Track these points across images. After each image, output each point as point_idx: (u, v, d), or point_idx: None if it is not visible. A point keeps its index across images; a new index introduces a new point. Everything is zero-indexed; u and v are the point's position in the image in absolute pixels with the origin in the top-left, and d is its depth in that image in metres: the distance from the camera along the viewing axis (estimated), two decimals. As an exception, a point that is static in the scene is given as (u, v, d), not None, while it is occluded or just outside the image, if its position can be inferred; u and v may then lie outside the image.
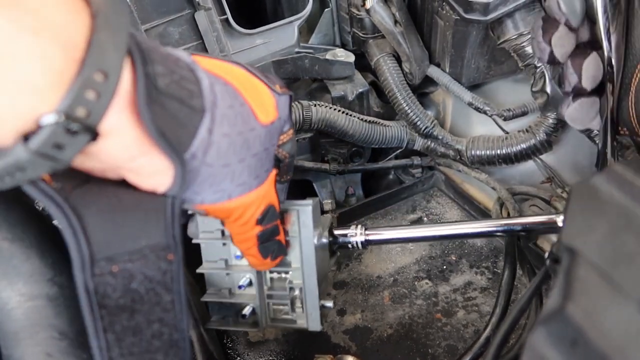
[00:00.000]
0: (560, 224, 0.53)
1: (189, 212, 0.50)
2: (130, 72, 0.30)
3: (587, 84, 0.42)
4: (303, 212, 0.50)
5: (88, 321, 0.33)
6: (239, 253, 0.51)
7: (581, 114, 0.44)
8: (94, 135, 0.28)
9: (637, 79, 0.39)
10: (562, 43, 0.42)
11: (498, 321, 0.51)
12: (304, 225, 0.50)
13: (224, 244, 0.51)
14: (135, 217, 0.34)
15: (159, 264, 0.35)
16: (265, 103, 0.42)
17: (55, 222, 0.34)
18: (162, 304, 0.35)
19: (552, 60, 0.42)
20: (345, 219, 0.80)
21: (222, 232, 0.51)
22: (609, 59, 0.41)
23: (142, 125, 0.30)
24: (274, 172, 0.45)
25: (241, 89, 0.39)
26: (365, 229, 0.58)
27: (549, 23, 0.42)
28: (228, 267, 0.52)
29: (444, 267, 0.72)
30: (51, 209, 0.31)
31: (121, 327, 0.34)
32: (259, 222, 0.44)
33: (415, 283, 0.70)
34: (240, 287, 0.52)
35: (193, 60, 0.36)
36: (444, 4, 0.73)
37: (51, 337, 0.38)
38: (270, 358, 0.63)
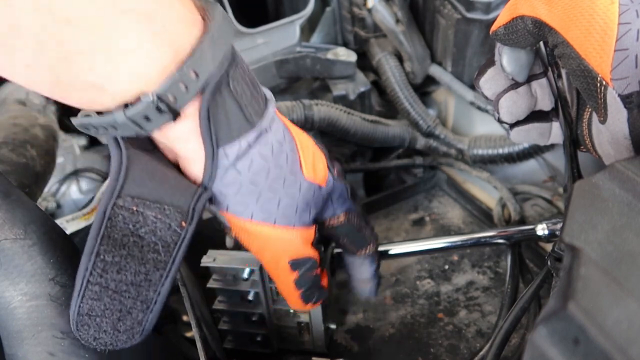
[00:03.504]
0: (539, 232, 0.55)
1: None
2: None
3: (506, 118, 0.44)
4: None
5: (90, 241, 0.37)
6: (246, 275, 0.54)
7: (520, 138, 0.46)
8: (175, 116, 0.35)
9: (588, 113, 0.40)
10: (489, 86, 0.44)
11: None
12: None
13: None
14: (170, 184, 0.39)
15: (171, 223, 0.39)
16: (316, 167, 0.47)
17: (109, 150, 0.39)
18: (155, 260, 0.39)
19: (487, 98, 0.45)
20: (347, 218, 0.80)
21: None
22: (561, 89, 0.43)
23: (200, 110, 0.37)
24: (313, 230, 0.48)
25: (298, 142, 0.46)
26: None
27: (485, 65, 0.44)
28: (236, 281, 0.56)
29: (446, 266, 0.72)
30: (112, 147, 0.38)
31: (112, 259, 0.38)
32: (294, 268, 0.47)
33: (417, 282, 0.70)
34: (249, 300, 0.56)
35: (272, 99, 0.43)
36: (445, 3, 0.73)
37: (53, 337, 0.38)
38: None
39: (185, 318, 0.68)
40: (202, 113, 0.37)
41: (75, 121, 0.37)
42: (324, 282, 0.53)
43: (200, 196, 0.40)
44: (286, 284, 0.49)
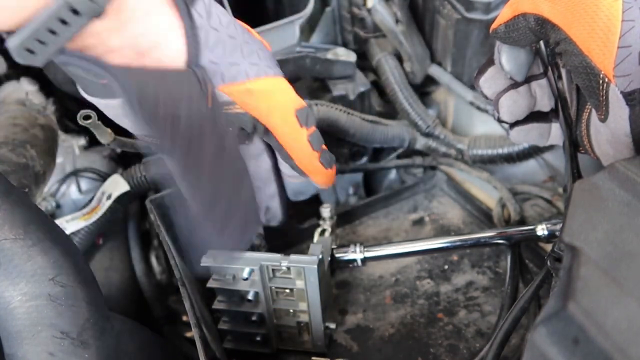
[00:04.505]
0: (539, 233, 0.55)
1: None
2: None
3: (506, 117, 0.44)
4: (309, 271, 0.53)
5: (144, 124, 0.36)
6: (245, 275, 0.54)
7: (520, 138, 0.46)
8: None
9: (587, 113, 0.40)
10: (489, 85, 0.44)
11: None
12: (309, 281, 0.54)
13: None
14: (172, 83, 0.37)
15: (202, 106, 0.38)
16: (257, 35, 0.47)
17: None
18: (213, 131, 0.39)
19: (486, 97, 0.45)
20: (346, 218, 0.80)
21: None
22: (560, 90, 0.43)
23: None
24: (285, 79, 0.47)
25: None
26: (364, 247, 0.61)
27: (485, 64, 0.44)
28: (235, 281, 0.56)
29: (446, 266, 0.72)
30: (108, 71, 0.35)
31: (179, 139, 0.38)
32: (302, 122, 0.46)
33: (417, 282, 0.70)
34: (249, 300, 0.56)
35: None
36: (445, 3, 0.73)
37: (53, 337, 0.38)
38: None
39: (185, 318, 0.68)
40: None
41: (11, 43, 0.30)
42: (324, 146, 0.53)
43: (201, 77, 0.38)
44: (304, 145, 0.48)
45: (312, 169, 0.50)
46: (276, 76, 0.45)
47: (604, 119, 0.36)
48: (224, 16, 0.41)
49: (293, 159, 0.49)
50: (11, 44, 0.30)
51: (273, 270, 0.54)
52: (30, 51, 0.31)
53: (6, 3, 0.29)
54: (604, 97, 0.34)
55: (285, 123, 0.46)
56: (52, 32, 0.30)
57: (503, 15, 0.39)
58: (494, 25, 0.40)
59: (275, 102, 0.45)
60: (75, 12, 0.29)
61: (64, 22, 0.30)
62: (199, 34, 0.38)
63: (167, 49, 0.37)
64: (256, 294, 0.55)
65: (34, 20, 0.29)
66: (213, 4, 0.41)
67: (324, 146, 0.51)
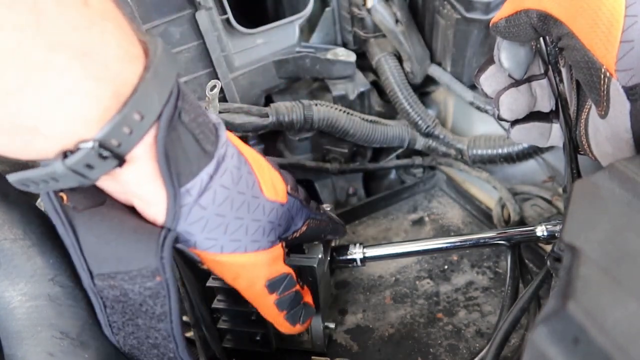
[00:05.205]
0: (539, 234, 0.55)
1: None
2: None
3: (506, 115, 0.44)
4: (310, 270, 0.54)
5: (97, 312, 0.39)
6: None
7: (520, 137, 0.46)
8: (121, 162, 0.33)
9: (586, 113, 0.40)
10: (489, 83, 0.44)
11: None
12: (309, 281, 0.54)
13: None
14: (131, 242, 0.37)
15: (148, 283, 0.38)
16: (275, 185, 0.46)
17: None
18: (156, 314, 0.39)
19: (486, 95, 0.45)
20: (346, 218, 0.80)
21: None
22: (561, 90, 0.43)
23: (155, 152, 0.35)
24: (280, 247, 0.48)
25: (253, 163, 0.44)
26: (364, 247, 0.61)
27: (486, 62, 0.44)
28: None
29: (445, 266, 0.72)
30: (57, 224, 0.36)
31: (122, 323, 0.39)
32: (271, 290, 0.47)
33: (417, 282, 0.70)
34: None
35: (220, 122, 0.41)
36: (445, 3, 0.73)
37: (52, 337, 0.38)
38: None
39: (184, 318, 0.68)
40: (159, 155, 0.34)
41: (11, 177, 0.33)
42: (307, 298, 0.53)
43: (165, 243, 0.38)
44: (268, 307, 0.48)
45: (275, 323, 0.51)
46: (257, 251, 0.44)
47: (604, 114, 0.36)
48: (225, 190, 0.40)
49: (258, 310, 0.50)
50: (10, 178, 0.33)
51: None
52: (26, 185, 0.34)
53: (12, 147, 0.31)
54: (605, 92, 0.34)
55: (250, 290, 0.47)
56: (46, 182, 0.33)
57: (504, 10, 0.39)
58: (494, 20, 0.40)
59: (245, 273, 0.45)
60: (61, 178, 0.32)
61: (52, 180, 0.32)
62: (181, 211, 0.38)
63: (150, 210, 0.38)
64: None
65: (36, 172, 0.32)
66: (222, 174, 0.40)
67: (305, 299, 0.52)
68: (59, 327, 0.38)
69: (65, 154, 0.31)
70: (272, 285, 0.47)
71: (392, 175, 0.93)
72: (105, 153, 0.31)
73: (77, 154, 0.31)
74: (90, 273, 0.37)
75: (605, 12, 0.32)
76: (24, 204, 0.42)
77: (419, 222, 0.82)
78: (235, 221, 0.42)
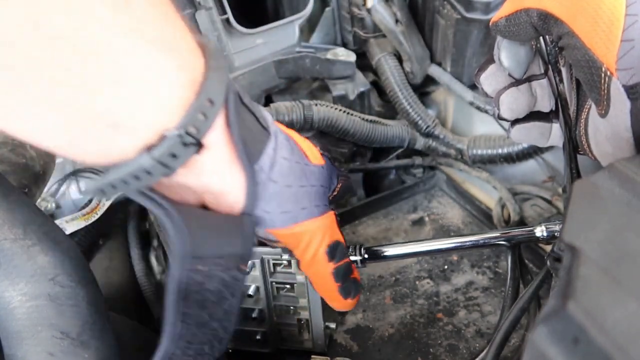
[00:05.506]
0: (538, 234, 0.55)
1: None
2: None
3: (506, 114, 0.44)
4: None
5: (170, 310, 0.38)
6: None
7: (520, 137, 0.46)
8: (199, 147, 0.34)
9: (586, 113, 0.40)
10: (489, 82, 0.44)
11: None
12: None
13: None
14: (221, 230, 0.39)
15: (234, 272, 0.40)
16: (313, 151, 0.48)
17: (159, 219, 0.38)
18: (224, 306, 0.41)
19: (486, 95, 0.45)
20: (346, 218, 0.80)
21: None
22: (561, 90, 0.43)
23: (230, 135, 0.37)
24: (332, 212, 0.49)
25: (291, 134, 0.47)
26: (364, 248, 0.60)
27: (486, 62, 0.44)
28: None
29: (445, 266, 0.72)
30: (160, 212, 0.37)
31: (190, 319, 0.39)
32: (330, 257, 0.48)
33: (417, 283, 0.70)
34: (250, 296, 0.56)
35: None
36: (445, 3, 0.73)
37: (53, 337, 0.38)
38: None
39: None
40: (234, 137, 0.37)
41: (90, 187, 0.34)
42: (356, 274, 0.54)
43: (248, 227, 0.40)
44: (325, 278, 0.49)
45: (329, 297, 0.52)
46: (321, 215, 0.46)
47: (604, 114, 0.36)
48: (286, 162, 0.43)
49: (313, 284, 0.51)
50: (89, 187, 0.34)
51: (274, 264, 0.54)
52: (103, 192, 0.34)
53: (91, 148, 0.31)
54: (606, 91, 0.34)
55: (314, 259, 0.48)
56: (125, 182, 0.33)
57: (504, 9, 0.39)
58: (494, 19, 0.40)
59: (314, 240, 0.47)
60: (148, 172, 0.32)
61: (137, 178, 0.33)
62: (258, 190, 0.40)
63: (227, 199, 0.39)
64: (257, 289, 0.55)
65: (112, 173, 0.33)
66: (280, 147, 0.42)
67: (354, 274, 0.53)
68: (59, 327, 0.38)
69: (148, 148, 0.32)
70: (331, 252, 0.48)
71: (392, 175, 0.93)
72: (188, 140, 0.33)
73: (163, 143, 0.32)
74: (190, 255, 0.37)
75: (606, 11, 0.32)
76: (24, 204, 0.42)
77: (419, 222, 0.82)
78: (300, 189, 0.44)
